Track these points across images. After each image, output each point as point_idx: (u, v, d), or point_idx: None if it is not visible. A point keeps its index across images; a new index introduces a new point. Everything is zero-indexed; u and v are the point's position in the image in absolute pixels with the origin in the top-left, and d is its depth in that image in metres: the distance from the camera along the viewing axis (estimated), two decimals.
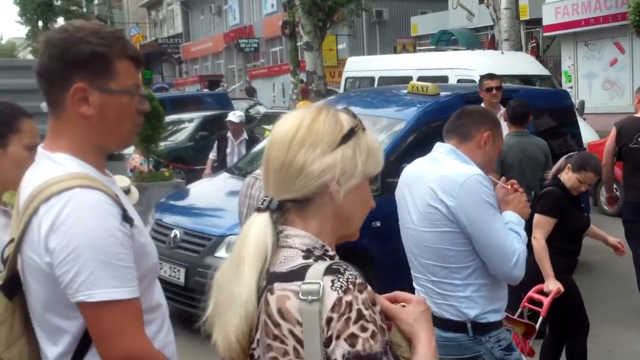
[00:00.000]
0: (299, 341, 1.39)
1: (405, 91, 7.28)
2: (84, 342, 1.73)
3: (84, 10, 49.81)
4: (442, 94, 7.09)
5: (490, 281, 2.96)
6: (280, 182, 1.51)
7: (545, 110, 7.68)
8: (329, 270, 1.41)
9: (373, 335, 1.37)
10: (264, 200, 1.52)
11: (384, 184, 6.04)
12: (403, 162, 6.11)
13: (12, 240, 1.78)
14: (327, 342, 1.37)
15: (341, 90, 15.35)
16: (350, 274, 1.41)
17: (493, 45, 19.92)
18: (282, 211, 1.52)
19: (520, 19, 17.81)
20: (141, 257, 1.76)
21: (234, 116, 9.14)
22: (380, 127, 6.57)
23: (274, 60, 40.53)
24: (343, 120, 1.54)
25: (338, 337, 1.36)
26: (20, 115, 2.44)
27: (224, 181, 7.21)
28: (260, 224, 1.49)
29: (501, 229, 2.89)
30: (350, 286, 1.39)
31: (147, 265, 1.79)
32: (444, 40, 24.85)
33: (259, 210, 1.52)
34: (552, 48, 23.31)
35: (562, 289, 4.24)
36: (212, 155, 9.30)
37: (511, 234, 2.91)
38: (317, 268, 1.42)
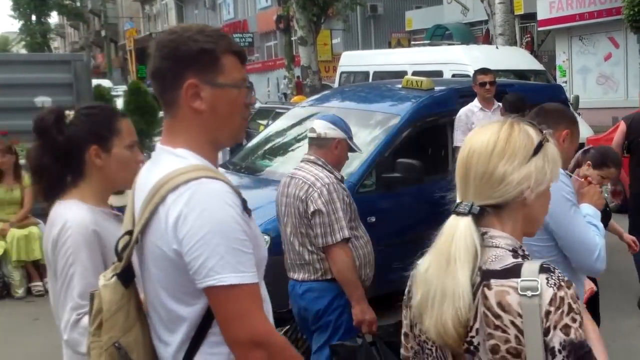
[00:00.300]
0: (520, 330, 1.58)
1: (400, 86, 7.26)
2: (201, 330, 1.82)
3: (78, 4, 49.64)
4: (437, 88, 7.08)
5: (571, 275, 3.04)
6: (481, 190, 1.70)
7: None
8: (542, 269, 1.61)
9: (580, 325, 1.58)
10: (464, 205, 1.69)
11: (379, 179, 6.03)
12: (398, 157, 6.12)
13: (127, 233, 1.88)
14: (546, 332, 1.57)
15: (336, 84, 15.34)
16: (559, 273, 1.62)
17: (488, 39, 19.95)
18: (481, 215, 1.69)
19: (515, 13, 17.81)
20: (255, 248, 1.83)
21: None
22: (375, 122, 6.56)
23: (268, 55, 40.45)
24: (532, 134, 1.74)
25: (555, 328, 1.57)
26: (117, 116, 2.50)
27: None
28: (465, 227, 1.66)
29: (582, 223, 2.98)
30: (562, 283, 1.60)
31: (259, 257, 1.87)
32: (439, 34, 24.86)
33: (458, 214, 1.69)
34: (546, 43, 23.33)
35: (595, 289, 4.19)
36: None
37: (591, 227, 3.01)
38: (531, 267, 1.62)
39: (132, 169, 2.39)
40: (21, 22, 47.63)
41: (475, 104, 6.84)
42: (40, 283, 7.25)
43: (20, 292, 7.15)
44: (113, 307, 1.83)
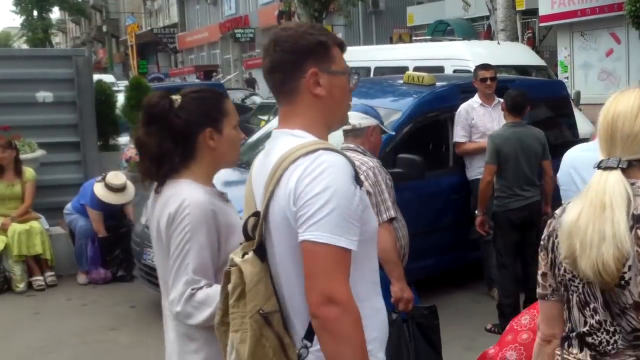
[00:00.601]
0: None
1: (401, 81, 7.25)
2: None
3: None
4: (438, 84, 7.07)
5: None
6: (628, 147, 1.96)
7: (541, 101, 7.65)
8: None
9: None
10: (611, 160, 1.95)
11: None
12: (399, 153, 6.11)
13: (254, 214, 2.05)
14: None
15: None
16: None
17: (489, 35, 19.93)
18: (627, 168, 1.95)
19: (517, 9, 17.77)
20: (364, 221, 1.98)
21: None
22: None
23: None
24: None
25: None
26: (223, 98, 2.62)
27: (220, 172, 7.17)
28: (615, 179, 1.92)
29: None
30: None
31: (369, 229, 2.03)
32: (440, 30, 24.78)
33: (605, 168, 1.94)
34: (548, 38, 23.28)
35: None
36: None
37: None
38: None
39: (238, 147, 2.61)
40: (23, 18, 47.57)
41: (475, 100, 6.82)
42: (41, 277, 7.26)
43: (21, 286, 7.15)
44: (254, 278, 1.98)
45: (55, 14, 57.99)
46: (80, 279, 7.41)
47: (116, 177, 7.37)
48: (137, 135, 2.57)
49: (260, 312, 1.96)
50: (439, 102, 6.92)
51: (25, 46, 48.37)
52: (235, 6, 43.45)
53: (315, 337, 1.95)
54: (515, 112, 5.96)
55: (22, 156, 7.66)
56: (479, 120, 6.71)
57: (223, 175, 7.05)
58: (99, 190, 7.26)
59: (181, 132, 2.47)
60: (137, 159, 8.99)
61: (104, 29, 51.44)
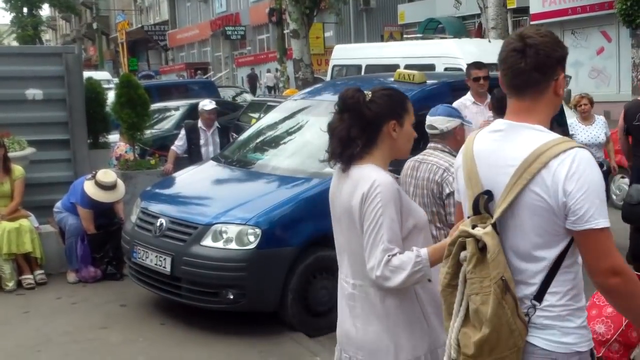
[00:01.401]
0: None
1: (392, 79, 7.24)
2: (555, 268, 2.31)
3: None
4: (429, 82, 7.05)
5: None
6: None
7: None
8: None
9: None
10: None
11: None
12: None
13: (484, 193, 2.35)
14: None
15: (328, 78, 15.31)
16: None
17: (480, 33, 19.95)
18: None
19: (507, 7, 17.80)
20: None
21: (211, 105, 9.01)
22: None
23: (260, 48, 40.37)
24: None
25: None
26: (407, 98, 2.99)
27: (211, 169, 7.16)
28: None
29: None
30: None
31: None
32: (431, 28, 24.83)
33: None
34: None
35: None
36: (179, 148, 8.94)
37: None
38: None
39: (412, 142, 2.98)
40: (12, 15, 47.36)
41: (468, 98, 6.83)
42: (30, 276, 7.22)
43: (10, 285, 7.11)
44: (496, 249, 2.27)
45: (45, 11, 57.76)
46: (70, 278, 7.37)
47: (106, 175, 7.34)
48: (330, 121, 2.94)
49: (503, 278, 2.25)
50: (430, 100, 6.89)
51: (14, 43, 48.14)
52: (226, 3, 43.38)
53: (544, 298, 2.30)
54: (502, 111, 5.95)
55: (12, 154, 7.60)
56: (472, 118, 6.70)
57: (214, 172, 7.05)
58: (89, 188, 7.23)
59: (369, 121, 2.85)
60: (127, 157, 8.91)
61: (94, 26, 51.22)
